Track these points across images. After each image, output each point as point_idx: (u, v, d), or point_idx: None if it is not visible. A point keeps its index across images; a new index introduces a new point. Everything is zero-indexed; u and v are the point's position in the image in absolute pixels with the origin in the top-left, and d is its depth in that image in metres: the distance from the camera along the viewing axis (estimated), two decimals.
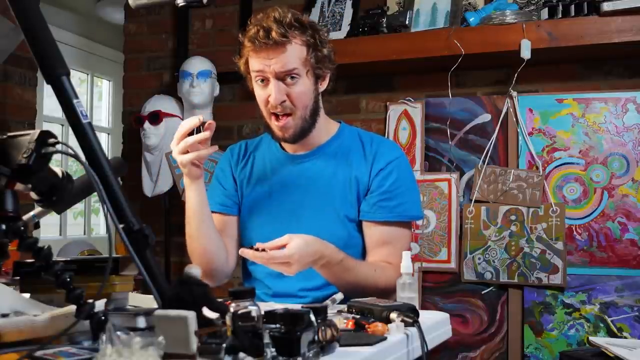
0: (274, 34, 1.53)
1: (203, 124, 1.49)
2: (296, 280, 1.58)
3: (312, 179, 1.67)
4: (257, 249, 1.41)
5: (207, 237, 1.65)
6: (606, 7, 2.32)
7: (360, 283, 1.54)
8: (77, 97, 0.90)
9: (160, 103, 2.97)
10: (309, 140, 1.68)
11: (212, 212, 1.78)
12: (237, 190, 1.76)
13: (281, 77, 1.57)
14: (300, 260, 1.41)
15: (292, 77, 1.57)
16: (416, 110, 2.71)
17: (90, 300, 0.87)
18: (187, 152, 1.51)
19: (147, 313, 0.76)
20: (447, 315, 1.42)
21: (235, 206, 1.76)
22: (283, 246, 1.41)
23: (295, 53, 1.57)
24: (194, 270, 0.83)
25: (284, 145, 1.73)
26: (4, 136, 0.89)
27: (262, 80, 1.59)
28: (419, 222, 2.65)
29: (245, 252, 1.42)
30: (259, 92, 1.62)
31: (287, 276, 1.61)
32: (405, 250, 1.63)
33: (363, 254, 1.67)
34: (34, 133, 0.87)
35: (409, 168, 1.72)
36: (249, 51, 1.59)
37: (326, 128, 1.72)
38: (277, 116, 1.60)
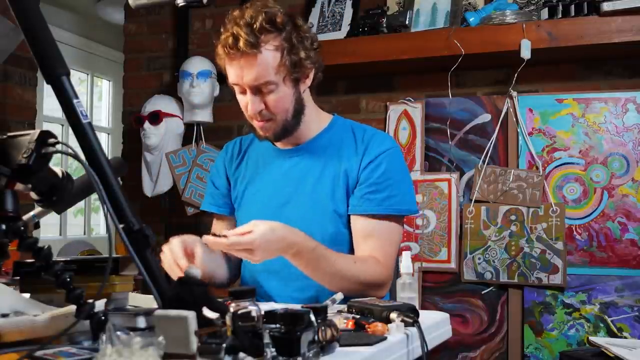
0: (241, 43, 1.46)
1: None
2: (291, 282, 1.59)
3: (301, 174, 1.64)
4: (219, 236, 1.36)
5: (213, 273, 1.66)
6: (606, 7, 2.32)
7: (338, 275, 1.48)
8: (77, 97, 0.89)
9: (160, 103, 2.97)
10: (297, 135, 1.65)
11: (205, 212, 1.79)
12: (230, 190, 1.76)
13: (256, 88, 1.53)
14: (263, 246, 1.35)
15: (268, 87, 1.52)
16: (416, 110, 2.71)
17: (90, 300, 0.87)
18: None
19: (147, 313, 0.76)
20: (447, 315, 1.42)
21: (227, 206, 1.75)
22: (249, 233, 1.37)
23: (267, 61, 1.50)
24: (194, 270, 0.83)
25: None
26: (4, 136, 0.89)
27: (239, 90, 1.57)
28: (419, 222, 2.65)
29: (206, 239, 1.38)
30: (239, 98, 1.59)
31: (283, 279, 1.61)
32: (394, 245, 1.59)
33: (353, 251, 1.62)
34: (34, 133, 0.87)
35: (400, 160, 1.65)
36: (222, 57, 1.54)
37: (317, 121, 1.68)
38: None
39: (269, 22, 1.49)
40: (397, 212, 1.60)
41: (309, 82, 1.62)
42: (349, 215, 1.60)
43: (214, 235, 1.37)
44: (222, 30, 1.53)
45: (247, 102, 1.56)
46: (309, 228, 1.50)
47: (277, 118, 1.57)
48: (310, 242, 1.46)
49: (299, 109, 1.60)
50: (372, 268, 1.53)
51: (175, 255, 1.44)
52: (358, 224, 1.59)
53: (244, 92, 1.56)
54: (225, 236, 1.36)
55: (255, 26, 1.47)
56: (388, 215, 1.58)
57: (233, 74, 1.54)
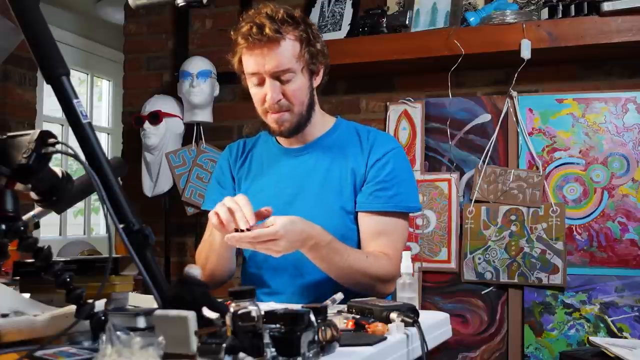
0: (267, 29, 1.52)
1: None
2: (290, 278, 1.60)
3: (308, 172, 1.67)
4: (242, 231, 1.38)
5: (222, 267, 1.66)
6: (606, 7, 2.32)
7: (351, 268, 1.51)
8: (77, 97, 0.89)
9: (160, 103, 2.97)
10: (304, 134, 1.68)
11: (206, 211, 1.78)
12: (235, 189, 1.76)
13: (276, 76, 1.57)
14: (286, 236, 1.38)
15: (287, 76, 1.57)
16: (416, 110, 2.71)
17: (90, 300, 0.86)
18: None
19: (147, 313, 0.76)
20: (447, 315, 1.42)
21: None
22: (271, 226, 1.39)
23: (289, 50, 1.56)
24: (194, 270, 0.83)
25: (280, 139, 1.73)
26: (4, 136, 0.89)
27: (257, 80, 1.59)
28: (419, 222, 2.65)
29: (230, 237, 1.40)
30: (255, 91, 1.62)
31: (288, 276, 1.62)
32: (401, 241, 1.63)
33: (360, 248, 1.65)
34: (34, 133, 0.87)
35: (405, 159, 1.71)
36: (242, 49, 1.58)
37: (322, 122, 1.72)
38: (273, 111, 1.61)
39: (288, 16, 1.57)
40: (404, 209, 1.64)
41: (319, 79, 1.68)
42: (356, 212, 1.64)
43: (236, 231, 1.40)
44: (234, 29, 1.60)
45: (264, 94, 1.59)
46: (317, 224, 1.51)
47: (294, 109, 1.60)
48: (326, 235, 1.50)
49: (311, 104, 1.65)
50: (383, 263, 1.56)
51: (246, 213, 1.40)
52: (366, 221, 1.62)
53: (261, 84, 1.59)
54: (249, 229, 1.38)
55: (277, 17, 1.55)
56: (395, 212, 1.62)
57: (253, 62, 1.57)
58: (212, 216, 1.46)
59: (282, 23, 1.55)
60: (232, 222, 1.41)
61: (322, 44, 1.66)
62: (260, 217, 1.46)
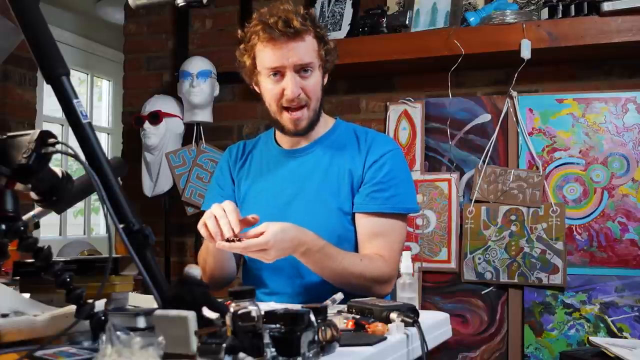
0: (295, 22, 1.55)
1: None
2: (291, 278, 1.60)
3: (307, 173, 1.68)
4: (232, 240, 1.39)
5: (220, 269, 1.67)
6: (606, 7, 2.32)
7: (346, 272, 1.51)
8: (77, 97, 0.89)
9: (160, 103, 2.97)
10: (306, 135, 1.69)
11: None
12: (235, 191, 1.77)
13: (297, 70, 1.58)
14: (276, 246, 1.39)
15: (307, 70, 1.59)
16: (416, 110, 2.71)
17: (90, 300, 0.87)
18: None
19: (147, 313, 0.76)
20: (447, 315, 1.42)
21: None
22: (261, 234, 1.40)
23: (310, 45, 1.60)
24: (194, 270, 0.83)
25: (280, 141, 1.73)
26: (4, 136, 0.89)
27: (275, 74, 1.60)
28: (419, 222, 2.65)
29: (222, 244, 1.41)
30: (271, 87, 1.61)
31: (287, 276, 1.62)
32: (398, 243, 1.62)
33: (357, 249, 1.65)
34: (34, 133, 0.87)
35: (403, 161, 1.71)
36: (263, 42, 1.58)
37: (323, 123, 1.73)
38: (288, 109, 1.61)
39: (307, 14, 1.61)
40: (401, 211, 1.64)
41: (325, 80, 1.69)
42: (353, 213, 1.64)
43: (228, 240, 1.40)
44: (248, 27, 1.62)
45: (281, 89, 1.59)
46: (315, 225, 1.52)
47: (310, 104, 1.62)
48: (318, 241, 1.50)
49: (321, 103, 1.67)
50: (378, 265, 1.56)
51: (231, 220, 1.41)
52: (363, 222, 1.62)
53: (279, 79, 1.60)
54: (239, 239, 1.39)
55: (300, 13, 1.59)
56: (393, 213, 1.62)
57: (276, 56, 1.58)
58: (200, 228, 1.46)
59: (304, 19, 1.59)
60: (219, 234, 1.41)
61: (334, 44, 1.69)
62: (247, 224, 1.45)
